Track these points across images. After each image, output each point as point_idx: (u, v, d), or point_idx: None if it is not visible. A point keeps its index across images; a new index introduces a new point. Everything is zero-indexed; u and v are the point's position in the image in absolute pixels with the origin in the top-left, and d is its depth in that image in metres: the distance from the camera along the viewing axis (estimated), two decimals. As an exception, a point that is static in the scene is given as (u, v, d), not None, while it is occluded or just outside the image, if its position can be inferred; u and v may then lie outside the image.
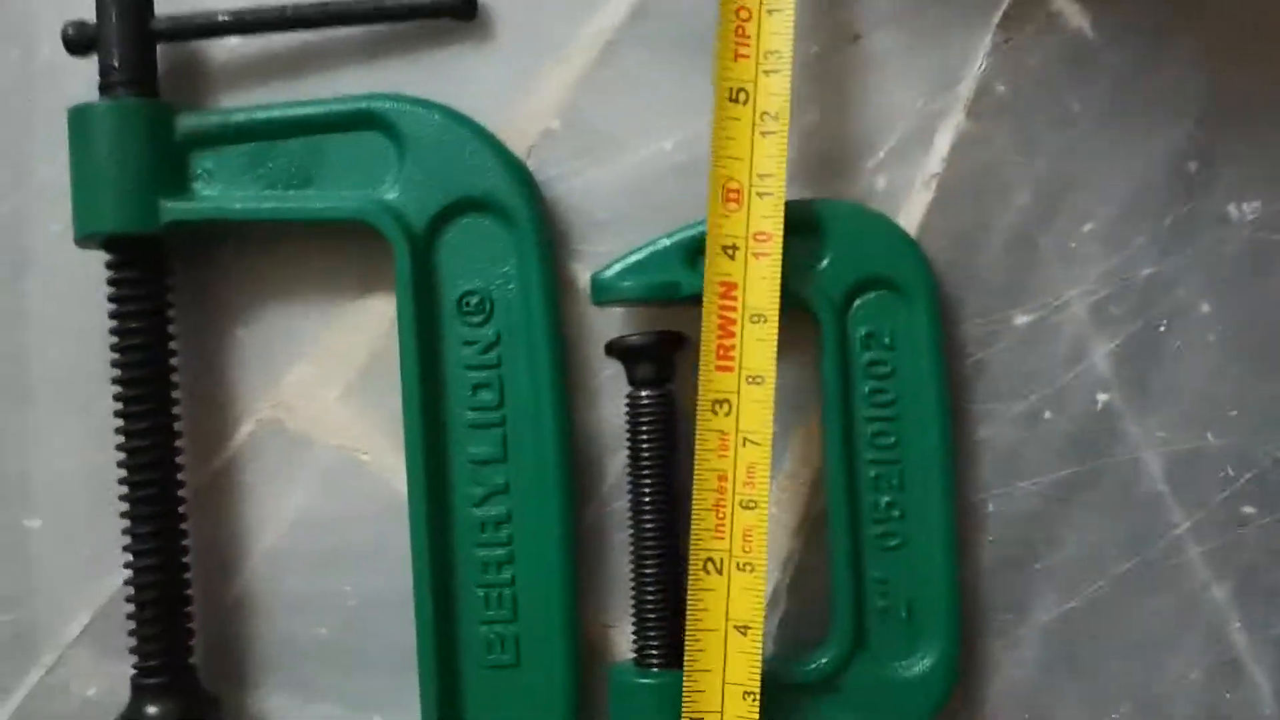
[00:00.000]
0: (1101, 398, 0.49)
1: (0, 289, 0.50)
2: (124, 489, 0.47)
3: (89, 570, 0.50)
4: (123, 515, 0.47)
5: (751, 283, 0.44)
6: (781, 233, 0.45)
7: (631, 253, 0.47)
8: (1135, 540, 0.49)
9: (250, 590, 0.50)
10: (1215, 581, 0.49)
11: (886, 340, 0.47)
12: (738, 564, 0.44)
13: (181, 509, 0.48)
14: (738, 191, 0.45)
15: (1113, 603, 0.49)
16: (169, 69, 0.49)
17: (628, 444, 0.47)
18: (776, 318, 0.44)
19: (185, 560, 0.48)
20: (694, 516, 0.44)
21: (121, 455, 0.47)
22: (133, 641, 0.47)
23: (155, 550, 0.47)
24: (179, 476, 0.48)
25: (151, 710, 0.46)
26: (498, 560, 0.47)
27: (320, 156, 0.48)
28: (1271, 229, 0.49)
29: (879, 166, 0.49)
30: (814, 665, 0.46)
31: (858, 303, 0.47)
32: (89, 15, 0.47)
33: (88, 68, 0.48)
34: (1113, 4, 0.49)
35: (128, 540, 0.47)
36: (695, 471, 0.44)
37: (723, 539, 0.44)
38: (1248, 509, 0.49)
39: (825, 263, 0.47)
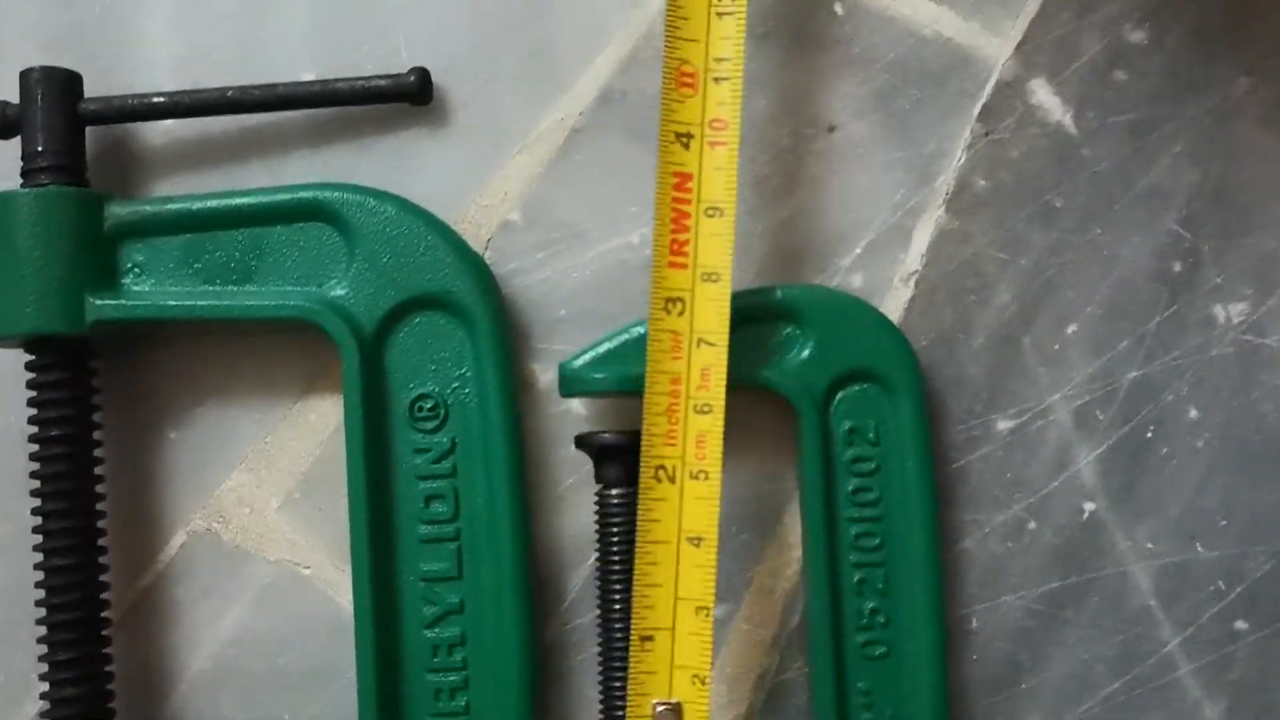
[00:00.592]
0: (1088, 507, 0.47)
1: None
2: (42, 610, 0.43)
3: (2, 695, 0.46)
4: (40, 640, 0.43)
5: (707, 174, 0.42)
6: (738, 122, 0.43)
7: (600, 342, 0.45)
8: (1124, 658, 0.47)
9: (180, 716, 0.47)
10: (1208, 700, 0.47)
11: (871, 436, 0.45)
12: (691, 472, 0.42)
13: (106, 630, 0.44)
14: (693, 76, 0.43)
15: None
16: (98, 154, 0.46)
17: (596, 545, 0.45)
18: (733, 213, 0.42)
19: (110, 687, 0.44)
20: (645, 422, 0.42)
21: (40, 573, 0.44)
22: None
23: (77, 678, 0.43)
24: (104, 595, 0.44)
25: None
26: (451, 686, 0.44)
27: (262, 250, 0.45)
28: (1257, 332, 0.47)
29: (856, 263, 0.47)
30: None
31: (840, 395, 0.45)
32: (11, 96, 0.45)
33: (9, 151, 0.45)
34: (1094, 98, 0.48)
35: (44, 668, 0.43)
36: (647, 374, 0.42)
37: (675, 445, 0.42)
38: (1240, 624, 0.47)
39: (806, 353, 0.45)
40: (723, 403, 0.42)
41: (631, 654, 0.42)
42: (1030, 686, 0.47)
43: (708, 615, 0.42)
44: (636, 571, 0.42)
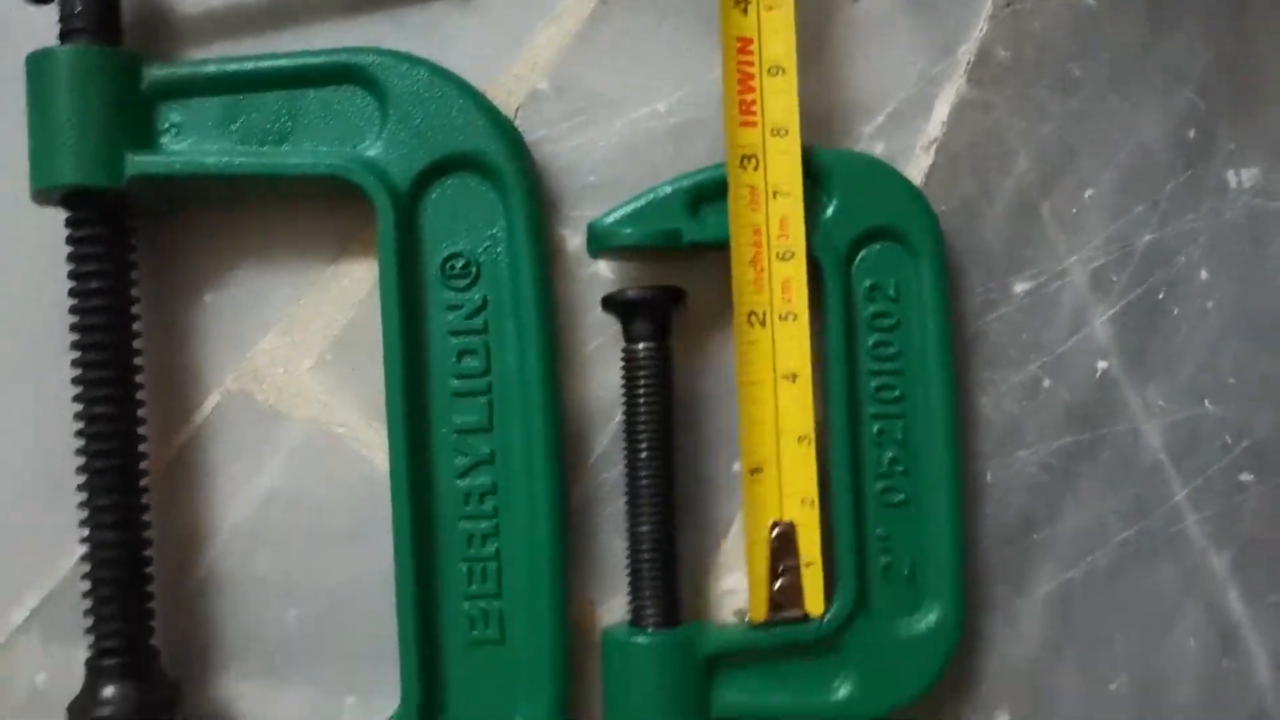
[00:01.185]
0: (1101, 366, 0.48)
1: None
2: (81, 460, 0.44)
3: (39, 549, 0.47)
4: (80, 488, 0.44)
5: (766, 36, 0.45)
6: None
7: (629, 201, 0.46)
8: (1134, 510, 0.49)
9: (216, 572, 0.48)
10: (1214, 550, 0.49)
11: (891, 293, 0.46)
12: (780, 314, 0.44)
13: (143, 483, 0.45)
14: None
15: (1111, 573, 0.49)
16: (133, 19, 0.47)
17: (623, 400, 0.46)
18: (794, 70, 0.45)
19: (146, 537, 0.45)
20: (734, 272, 0.45)
21: (79, 425, 0.44)
22: (88, 622, 0.44)
23: (114, 525, 0.44)
24: (141, 451, 0.45)
25: (108, 693, 0.44)
26: (482, 533, 0.45)
27: (297, 112, 0.46)
28: (1268, 196, 0.49)
29: (878, 131, 0.48)
30: (816, 625, 0.45)
31: (862, 254, 0.46)
32: None
33: (48, 16, 0.45)
34: None
35: (84, 515, 0.44)
36: (730, 227, 0.45)
37: (762, 292, 0.45)
38: (1245, 477, 0.49)
39: (830, 211, 0.46)
40: (803, 247, 0.44)
41: (743, 486, 0.45)
42: (1043, 537, 0.48)
43: (809, 444, 0.44)
44: (739, 411, 0.45)
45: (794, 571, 0.44)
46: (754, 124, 0.44)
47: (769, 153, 0.44)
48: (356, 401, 0.48)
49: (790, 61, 0.45)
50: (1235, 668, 0.49)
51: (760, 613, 0.44)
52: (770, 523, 0.44)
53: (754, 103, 0.44)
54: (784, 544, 0.44)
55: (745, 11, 0.44)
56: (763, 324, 0.44)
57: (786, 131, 0.44)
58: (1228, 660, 0.49)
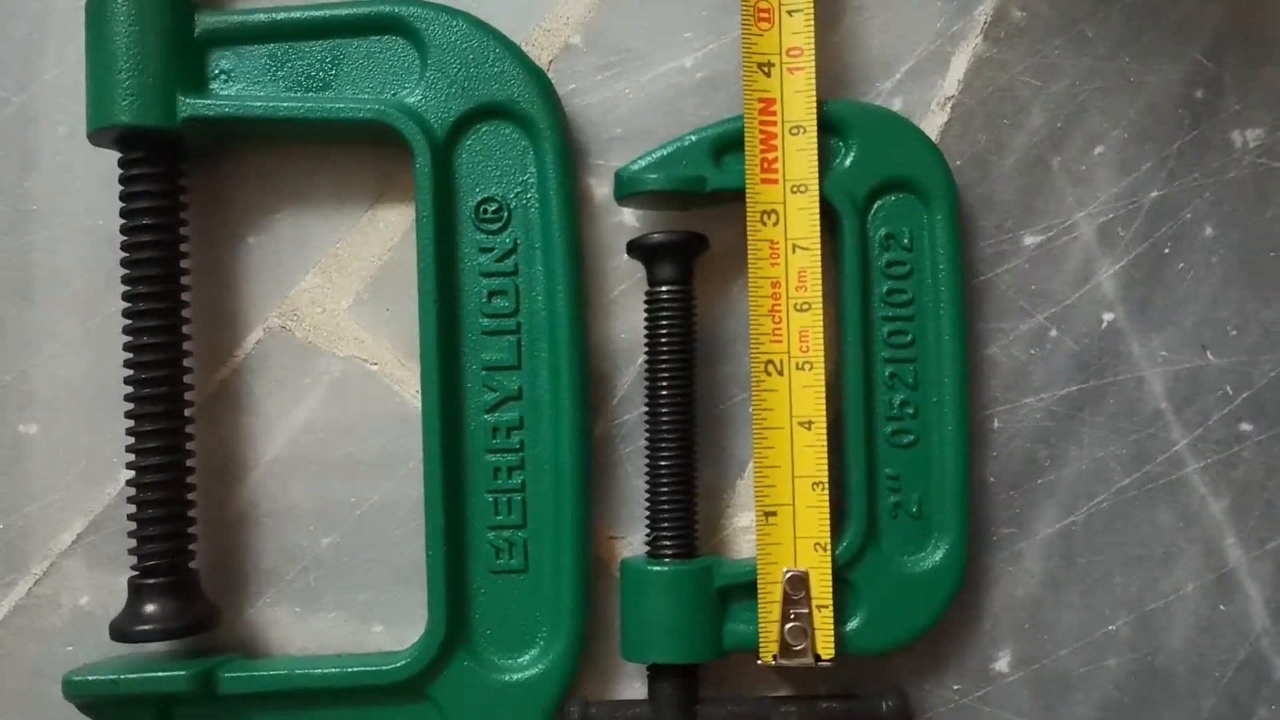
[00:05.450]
0: (1107, 317, 0.50)
1: (5, 189, 0.49)
2: (129, 388, 0.46)
3: (85, 477, 0.49)
4: (127, 415, 0.46)
5: (788, 96, 0.47)
6: (813, 48, 0.47)
7: (655, 149, 0.48)
8: (1136, 456, 0.50)
9: (254, 500, 0.50)
10: (1212, 497, 0.50)
11: (905, 242, 0.48)
12: (796, 364, 0.46)
13: (187, 413, 0.47)
14: (768, 11, 0.47)
15: (1112, 517, 0.50)
16: None
17: (646, 341, 0.48)
18: (814, 128, 0.46)
19: (189, 465, 0.47)
20: (752, 323, 0.46)
21: (128, 356, 0.46)
22: (131, 544, 0.47)
23: (159, 450, 0.46)
24: (185, 382, 0.47)
25: (150, 610, 0.46)
26: (508, 465, 0.47)
27: (340, 60, 0.48)
28: (1272, 156, 0.50)
29: (895, 88, 0.50)
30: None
31: (878, 203, 0.48)
32: None
33: None
34: None
35: (131, 441, 0.46)
36: (749, 281, 0.47)
37: (780, 342, 0.46)
38: (1245, 426, 0.50)
39: (849, 162, 0.48)
40: (820, 299, 0.46)
41: (758, 530, 0.46)
42: (1047, 481, 0.50)
43: (823, 489, 0.46)
44: (755, 456, 0.47)
45: (805, 617, 0.46)
46: (775, 180, 0.46)
47: (789, 209, 0.46)
48: (390, 339, 0.50)
49: (811, 120, 0.47)
50: (1231, 611, 0.50)
51: (770, 655, 0.46)
52: (784, 570, 0.46)
53: (775, 160, 0.46)
54: (796, 587, 0.46)
55: (768, 74, 0.47)
56: (780, 373, 0.46)
57: (806, 188, 0.46)
58: (1224, 604, 0.50)
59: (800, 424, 0.46)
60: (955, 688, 0.50)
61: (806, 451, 0.46)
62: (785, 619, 0.46)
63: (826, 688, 0.48)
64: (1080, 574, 0.50)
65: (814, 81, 0.47)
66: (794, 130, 0.46)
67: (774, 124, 0.46)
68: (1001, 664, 0.50)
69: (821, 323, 0.46)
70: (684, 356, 0.47)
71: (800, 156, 0.46)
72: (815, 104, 0.46)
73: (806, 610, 0.46)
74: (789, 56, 0.47)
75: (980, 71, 0.50)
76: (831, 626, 0.46)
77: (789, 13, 0.47)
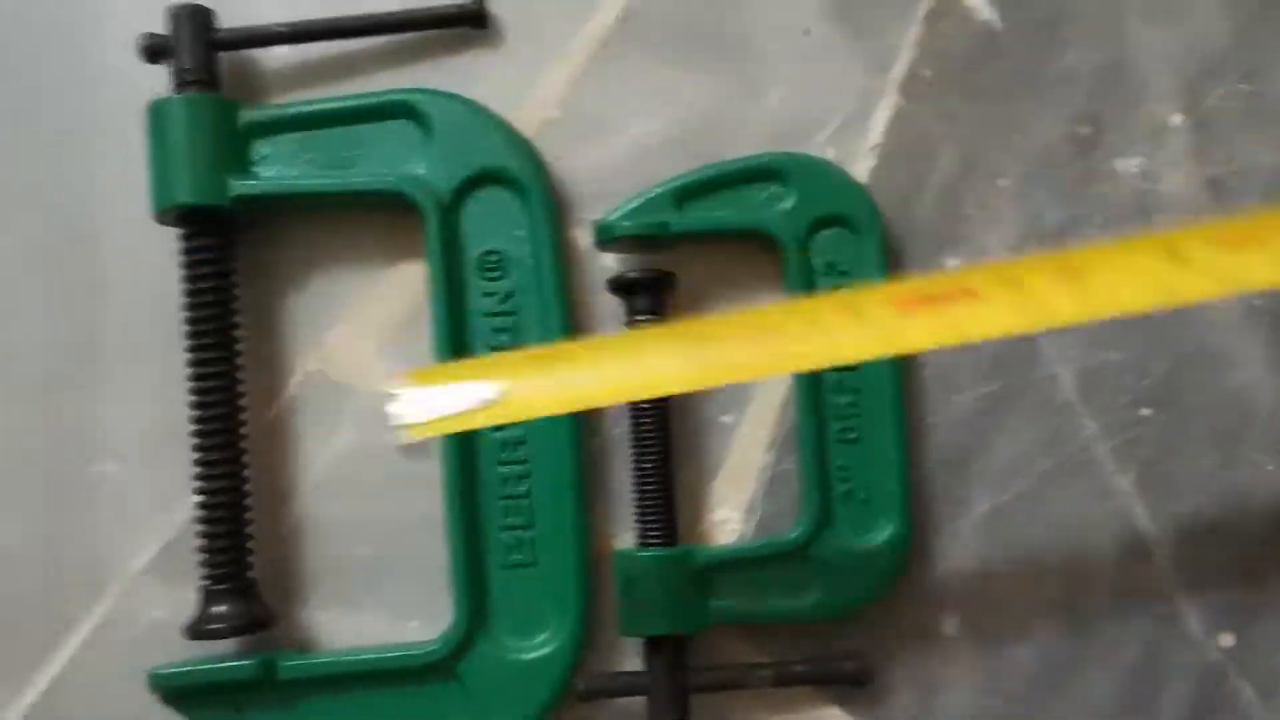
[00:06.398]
0: (1020, 324, 0.57)
1: (77, 263, 0.55)
2: (195, 427, 0.52)
3: (157, 508, 0.55)
4: (194, 449, 0.52)
5: None
6: None
7: (627, 201, 0.55)
8: (1053, 442, 0.56)
9: (302, 517, 0.54)
10: (1120, 473, 0.56)
11: (843, 268, 0.54)
12: None
13: (243, 445, 0.53)
14: None
15: (1037, 496, 0.56)
16: (229, 72, 0.55)
17: (628, 367, 0.54)
18: None
19: (247, 490, 0.53)
20: None
21: (193, 398, 0.52)
22: (199, 558, 0.52)
23: (223, 476, 0.52)
24: (241, 419, 0.53)
25: (219, 610, 0.52)
26: (516, 475, 0.54)
27: (359, 142, 0.54)
28: (1152, 180, 0.57)
29: (830, 138, 0.56)
30: (788, 538, 0.54)
31: (817, 237, 0.54)
32: (152, 27, 0.54)
33: (161, 73, 0.53)
34: (1015, 1, 0.58)
35: (197, 471, 0.52)
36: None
37: None
38: (1145, 411, 0.56)
39: (791, 203, 0.54)
40: None
41: None
42: (978, 467, 0.56)
43: None
44: None
45: None
46: None
47: None
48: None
49: None
50: (1144, 570, 0.55)
51: None
52: None
53: None
54: None
55: None
56: None
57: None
58: (1137, 565, 0.56)
59: None
60: (910, 649, 0.56)
61: None
62: None
63: (798, 654, 0.55)
64: (1013, 545, 0.55)
65: None
66: None
67: None
68: (949, 627, 0.56)
69: None
70: (658, 374, 0.54)
71: None
72: None
73: None
74: None
75: (899, 122, 0.56)
76: None
77: None
